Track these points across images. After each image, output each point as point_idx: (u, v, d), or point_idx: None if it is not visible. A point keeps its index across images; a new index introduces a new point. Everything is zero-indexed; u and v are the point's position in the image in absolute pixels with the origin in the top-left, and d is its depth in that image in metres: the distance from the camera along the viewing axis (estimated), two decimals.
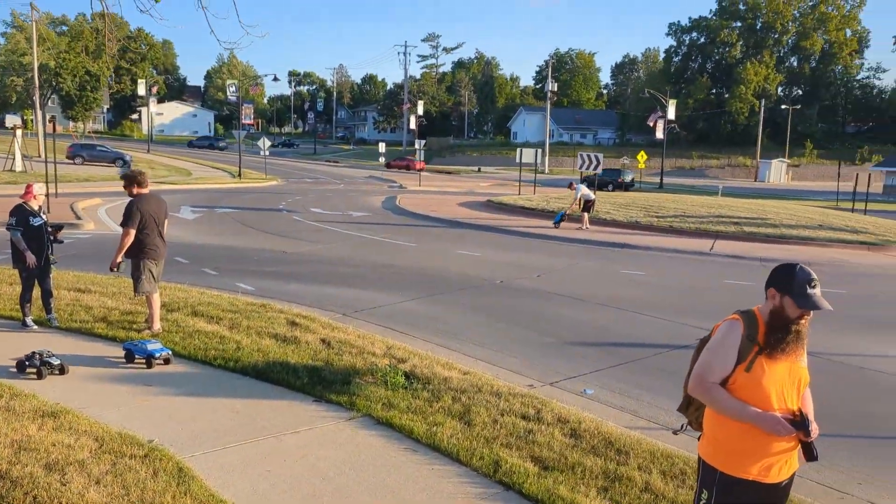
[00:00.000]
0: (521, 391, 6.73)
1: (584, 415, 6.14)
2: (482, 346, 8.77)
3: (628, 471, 4.98)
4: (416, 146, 49.47)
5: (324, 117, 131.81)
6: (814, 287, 3.05)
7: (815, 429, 2.98)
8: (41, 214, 8.41)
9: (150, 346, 6.98)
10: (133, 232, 7.90)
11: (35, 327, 8.21)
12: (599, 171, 25.80)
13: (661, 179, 55.45)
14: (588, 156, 24.79)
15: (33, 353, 6.60)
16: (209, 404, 6.11)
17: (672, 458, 5.26)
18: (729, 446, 3.09)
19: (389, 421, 5.77)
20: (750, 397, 3.02)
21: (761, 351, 3.04)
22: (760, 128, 75.81)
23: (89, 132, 79.32)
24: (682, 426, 3.59)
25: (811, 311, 3.04)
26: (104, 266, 8.94)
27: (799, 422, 2.97)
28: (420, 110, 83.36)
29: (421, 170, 55.20)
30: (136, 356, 6.99)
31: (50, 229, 8.45)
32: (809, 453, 3.01)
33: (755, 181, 68.99)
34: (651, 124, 59.14)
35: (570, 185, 23.16)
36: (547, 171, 66.77)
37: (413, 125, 78.90)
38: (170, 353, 7.11)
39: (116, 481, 4.36)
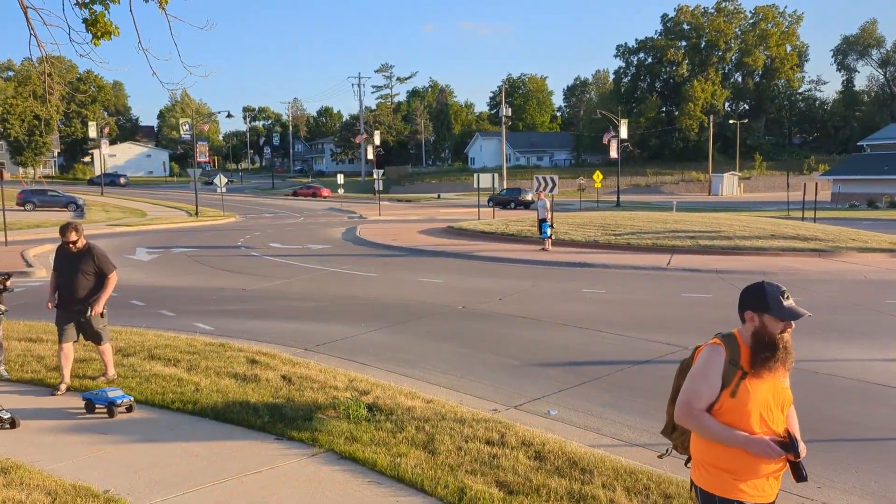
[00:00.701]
0: (484, 416, 6.72)
1: (548, 436, 6.15)
2: (446, 373, 8.75)
3: (593, 489, 5.00)
4: (375, 176, 49.55)
5: (280, 151, 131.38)
6: (787, 298, 3.08)
7: (803, 448, 2.99)
8: None
9: (111, 394, 6.81)
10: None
11: None
12: (502, 191, 26.22)
13: (618, 197, 56.42)
14: (544, 178, 25.10)
15: None
16: (167, 449, 5.98)
17: (635, 474, 5.29)
18: (721, 470, 3.08)
19: (352, 455, 5.70)
20: (736, 421, 3.03)
21: (745, 375, 3.05)
22: (711, 142, 77.80)
23: (40, 177, 77.76)
24: (666, 450, 3.59)
25: (793, 322, 3.06)
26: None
27: (788, 443, 2.98)
28: (377, 140, 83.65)
29: (327, 196, 57.03)
30: (97, 405, 6.80)
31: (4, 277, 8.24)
32: (798, 473, 3.01)
33: (709, 195, 70.60)
34: (606, 143, 60.27)
35: (538, 195, 23.61)
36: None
37: (371, 155, 79.08)
38: (132, 399, 6.95)
39: None
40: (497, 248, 23.02)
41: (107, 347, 7.89)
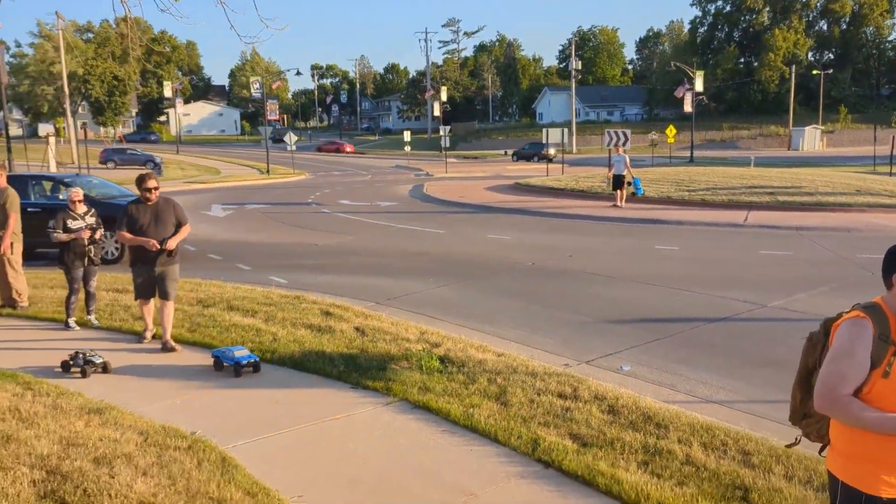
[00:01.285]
0: (556, 370, 6.71)
1: (622, 391, 6.10)
2: (516, 329, 8.75)
3: (668, 444, 4.94)
4: (441, 133, 49.34)
5: (348, 109, 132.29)
6: None
7: None
8: (84, 217, 8.55)
9: (237, 353, 6.73)
10: None
11: (77, 328, 8.40)
12: (525, 145, 25.60)
13: (692, 153, 54.64)
14: (615, 132, 24.50)
15: (76, 352, 6.76)
16: (249, 395, 6.21)
17: (712, 430, 5.21)
18: (871, 463, 2.63)
19: (426, 404, 5.80)
20: (890, 405, 2.57)
21: None
22: (792, 95, 74.17)
23: (120, 136, 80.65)
24: (796, 439, 3.14)
25: None
26: None
27: None
28: (444, 96, 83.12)
29: (350, 152, 57.57)
30: (224, 363, 6.75)
31: (89, 232, 8.57)
32: None
33: (788, 150, 67.62)
34: (679, 97, 58.22)
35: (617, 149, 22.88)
36: (574, 150, 66.21)
37: (437, 112, 78.70)
38: (257, 359, 6.80)
39: (162, 472, 4.46)
40: (566, 205, 22.72)
41: (171, 307, 7.69)
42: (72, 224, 8.39)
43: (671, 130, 50.16)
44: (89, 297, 8.64)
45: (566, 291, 10.73)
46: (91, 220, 8.62)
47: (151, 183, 7.57)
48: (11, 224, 9.27)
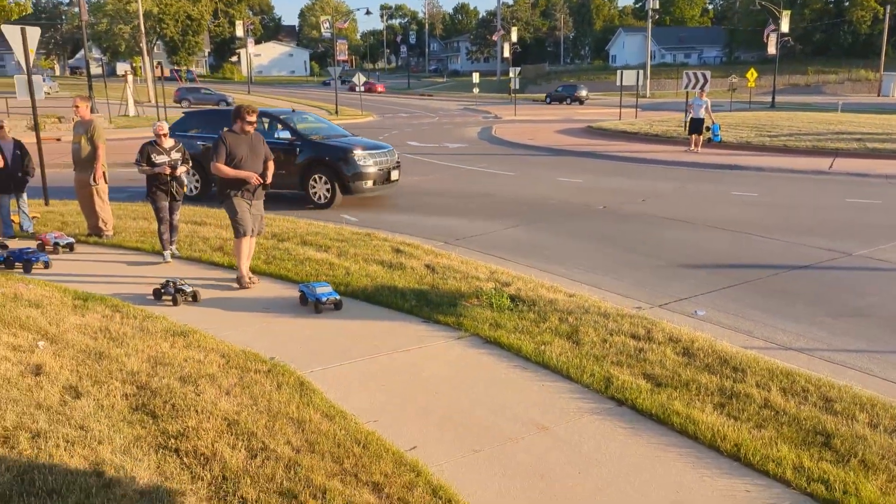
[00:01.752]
0: (629, 312, 6.62)
1: (697, 334, 5.98)
2: (587, 271, 8.65)
3: (745, 388, 4.84)
4: (511, 74, 48.40)
5: (416, 50, 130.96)
6: None
7: None
8: (169, 153, 8.62)
9: (319, 290, 6.75)
10: None
11: (171, 260, 8.59)
12: (559, 87, 24.59)
13: (773, 97, 52.11)
14: (694, 74, 23.51)
15: (167, 281, 7.00)
16: (325, 325, 6.35)
17: (793, 375, 5.06)
18: None
19: (497, 340, 5.82)
20: None
21: None
22: (885, 37, 69.42)
23: (188, 75, 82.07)
24: None
25: None
26: (216, 201, 9.30)
27: None
28: (514, 37, 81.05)
29: (381, 91, 57.46)
30: (309, 299, 6.79)
31: (170, 168, 8.61)
32: None
33: (878, 96, 63.74)
34: (764, 38, 55.28)
35: (701, 94, 21.84)
36: (648, 94, 64.07)
37: (506, 53, 76.92)
38: (338, 297, 6.78)
39: (244, 392, 4.63)
40: (640, 149, 22.11)
41: (254, 242, 7.74)
42: (156, 158, 8.47)
43: (752, 74, 47.82)
44: (172, 229, 8.76)
45: (639, 235, 10.52)
46: (176, 155, 8.64)
47: (252, 116, 7.29)
48: (101, 155, 9.56)
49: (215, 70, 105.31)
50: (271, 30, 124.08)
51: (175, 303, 6.78)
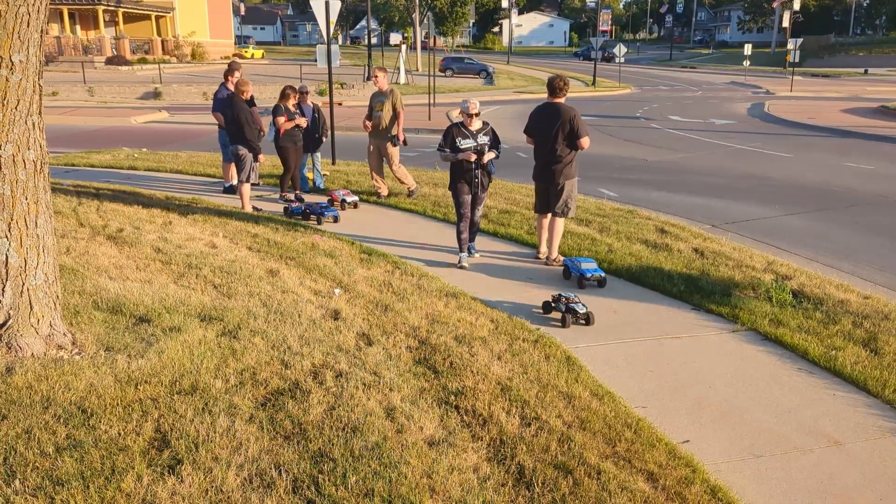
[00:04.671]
0: None
1: None
2: (882, 271, 7.64)
3: None
4: (790, 46, 43.91)
5: (682, 20, 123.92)
6: None
7: None
8: (476, 136, 7.06)
9: (584, 266, 6.68)
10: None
11: (465, 265, 7.25)
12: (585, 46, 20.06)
13: None
14: None
15: (560, 295, 5.94)
16: (587, 302, 6.30)
17: None
18: None
19: (779, 338, 5.36)
20: None
21: None
22: None
23: (458, 46, 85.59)
24: None
25: None
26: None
27: None
28: (796, 5, 73.56)
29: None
30: (572, 273, 6.80)
31: (475, 155, 7.04)
32: None
33: None
34: None
35: None
36: None
37: (786, 23, 70.03)
38: (603, 274, 6.68)
39: (514, 360, 4.75)
40: None
41: (561, 223, 7.37)
42: (461, 143, 6.99)
43: None
44: (472, 226, 7.40)
45: None
46: (484, 139, 7.06)
47: (566, 87, 7.32)
48: (401, 120, 10.21)
49: (478, 40, 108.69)
50: (534, 0, 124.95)
51: (564, 324, 5.64)
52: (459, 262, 7.25)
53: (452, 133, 7.03)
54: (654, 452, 3.70)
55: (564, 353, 4.97)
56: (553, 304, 5.86)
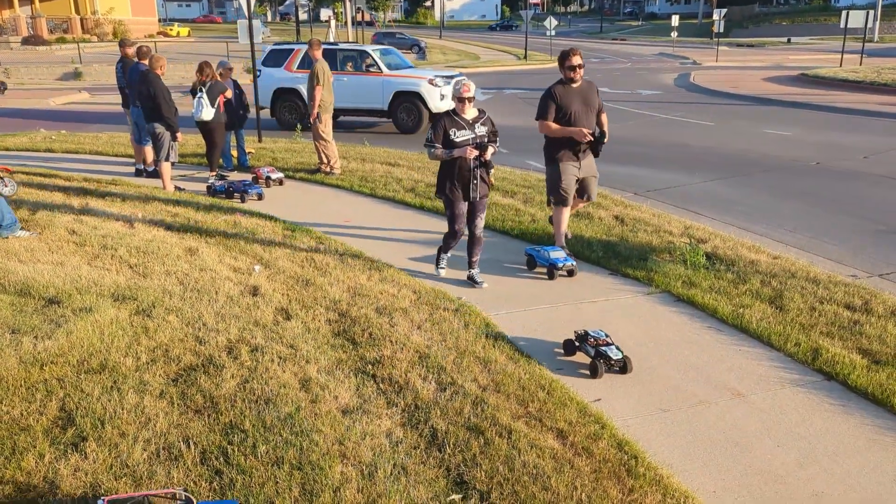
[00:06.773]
0: (842, 280, 6.03)
1: None
2: (794, 232, 7.97)
3: None
4: (715, 17, 45.00)
5: None
6: None
7: None
8: (474, 126, 5.70)
9: (553, 255, 6.16)
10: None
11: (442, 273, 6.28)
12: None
13: None
14: None
15: (585, 332, 4.63)
16: (510, 271, 6.39)
17: None
18: None
19: (690, 298, 5.55)
20: None
21: None
22: None
23: (390, 21, 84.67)
24: None
25: None
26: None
27: None
28: None
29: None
30: (539, 263, 6.27)
31: (475, 151, 5.65)
32: None
33: None
34: None
35: None
36: (877, 38, 56.89)
37: None
38: (574, 264, 6.16)
39: (434, 328, 4.80)
40: (863, 100, 19.81)
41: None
42: (456, 135, 5.54)
43: None
44: (474, 242, 5.93)
45: (858, 196, 9.50)
46: (482, 129, 5.72)
47: (576, 60, 6.17)
48: (316, 96, 9.87)
49: (410, 15, 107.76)
50: None
51: (595, 373, 4.36)
52: (437, 271, 6.18)
53: (444, 124, 5.56)
54: (565, 411, 3.80)
55: (484, 320, 5.04)
56: (577, 345, 4.60)
